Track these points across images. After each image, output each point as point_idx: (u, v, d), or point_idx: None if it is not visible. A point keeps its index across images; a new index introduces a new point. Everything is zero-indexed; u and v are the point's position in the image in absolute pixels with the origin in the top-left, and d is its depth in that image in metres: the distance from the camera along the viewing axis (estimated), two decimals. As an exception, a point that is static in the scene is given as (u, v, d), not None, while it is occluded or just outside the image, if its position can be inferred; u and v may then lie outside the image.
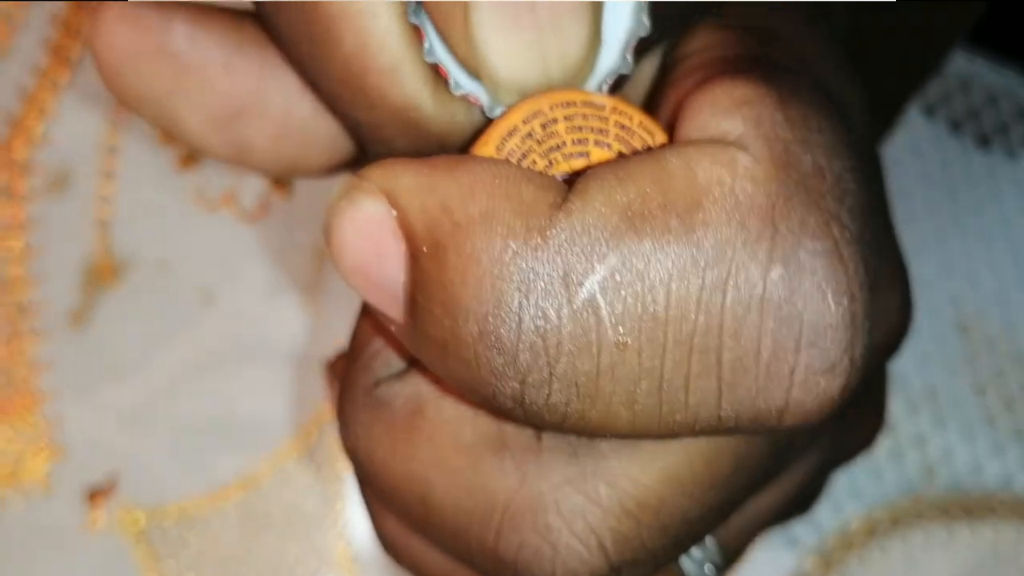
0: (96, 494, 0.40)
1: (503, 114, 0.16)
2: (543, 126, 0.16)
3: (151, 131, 0.42)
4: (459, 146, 0.17)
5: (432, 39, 0.16)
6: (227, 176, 0.42)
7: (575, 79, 0.16)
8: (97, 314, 0.41)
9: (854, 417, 0.20)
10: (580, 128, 0.16)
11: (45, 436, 0.40)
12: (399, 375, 0.18)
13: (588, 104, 0.16)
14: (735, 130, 0.15)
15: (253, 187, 0.42)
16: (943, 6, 0.31)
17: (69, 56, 0.43)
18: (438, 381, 0.18)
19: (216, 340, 0.41)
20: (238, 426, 0.40)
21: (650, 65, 0.18)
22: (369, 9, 0.15)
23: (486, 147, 0.16)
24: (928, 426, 0.41)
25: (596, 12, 0.16)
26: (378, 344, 0.19)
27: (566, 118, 0.16)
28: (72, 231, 0.42)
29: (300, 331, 0.41)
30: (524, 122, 0.16)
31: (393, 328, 0.16)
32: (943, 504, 0.41)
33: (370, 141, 0.17)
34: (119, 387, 0.41)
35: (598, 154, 0.16)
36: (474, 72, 0.16)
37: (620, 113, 0.16)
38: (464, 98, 0.17)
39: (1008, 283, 0.41)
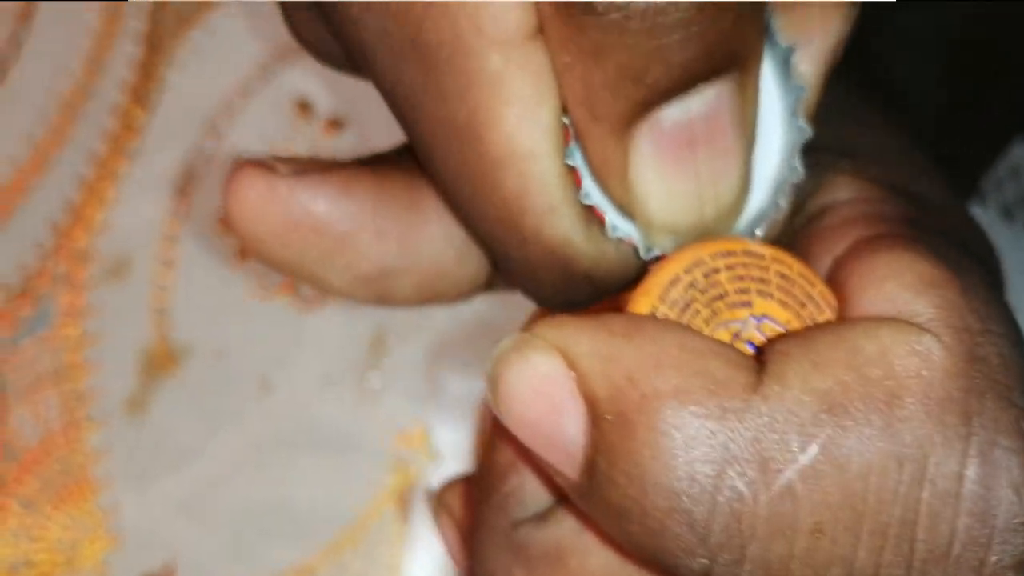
0: (151, 583, 0.40)
1: (662, 262, 0.17)
2: (705, 275, 0.17)
3: (210, 221, 0.43)
4: (608, 280, 0.18)
5: (588, 181, 0.17)
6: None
7: (727, 221, 0.17)
8: (154, 402, 0.41)
9: None
10: (742, 277, 0.17)
11: (101, 524, 0.40)
12: (539, 518, 0.19)
13: (748, 253, 0.17)
14: (924, 313, 0.16)
15: (309, 275, 0.43)
16: None
17: (127, 146, 0.44)
18: (586, 521, 0.18)
19: (272, 429, 0.41)
20: (294, 515, 0.40)
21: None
22: (531, 152, 0.16)
23: (648, 296, 0.17)
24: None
25: (751, 156, 0.16)
26: (513, 483, 0.19)
27: (728, 267, 0.17)
28: (130, 318, 0.42)
29: (356, 421, 0.41)
30: (686, 271, 0.17)
31: (560, 481, 0.16)
32: None
33: (517, 274, 0.18)
34: (175, 475, 0.41)
35: (761, 304, 0.17)
36: (629, 213, 0.17)
37: (780, 262, 0.17)
38: (618, 240, 0.17)
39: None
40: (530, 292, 0.18)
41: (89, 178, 0.44)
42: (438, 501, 0.23)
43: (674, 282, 0.17)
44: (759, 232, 0.17)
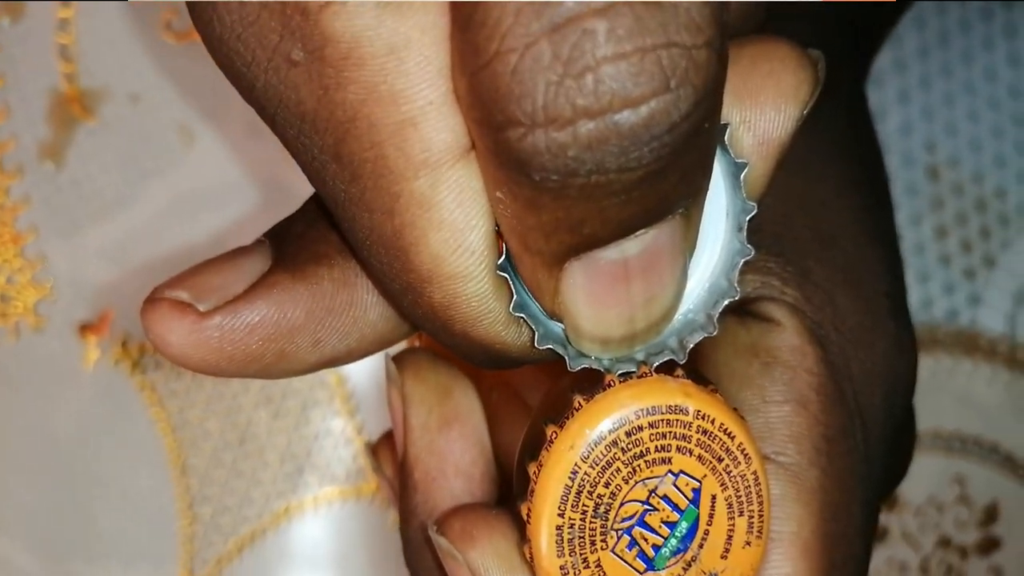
0: (87, 329, 0.41)
1: (588, 410, 0.17)
2: (628, 434, 0.17)
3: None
4: (539, 360, 0.18)
5: (520, 294, 0.16)
6: (197, 3, 0.40)
7: (658, 330, 0.16)
8: (71, 150, 0.40)
9: (895, 455, 0.22)
10: (664, 435, 0.17)
11: (29, 274, 0.40)
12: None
13: (673, 409, 0.17)
14: None
15: (226, 17, 0.40)
16: None
17: None
18: None
19: (198, 178, 0.41)
20: (225, 264, 0.41)
21: None
22: (458, 275, 0.15)
23: (573, 451, 0.17)
24: (889, 266, 0.43)
25: (686, 273, 0.16)
26: (418, 498, 0.22)
27: (650, 425, 0.17)
28: (32, 60, 0.39)
29: (281, 168, 0.41)
30: (611, 431, 0.17)
31: None
32: (893, 335, 0.44)
33: (451, 350, 0.18)
34: (102, 225, 0.40)
35: (680, 461, 0.17)
36: (559, 322, 0.16)
37: (703, 418, 0.17)
38: (548, 349, 0.17)
39: (983, 132, 0.42)
40: (462, 358, 0.18)
41: None
42: (374, 456, 0.24)
43: (598, 441, 0.17)
44: (690, 344, 0.17)
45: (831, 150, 0.22)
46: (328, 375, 0.41)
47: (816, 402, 0.19)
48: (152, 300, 0.17)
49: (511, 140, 0.13)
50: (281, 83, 0.14)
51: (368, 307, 0.18)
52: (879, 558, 0.44)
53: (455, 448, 0.21)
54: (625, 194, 0.13)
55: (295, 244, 0.18)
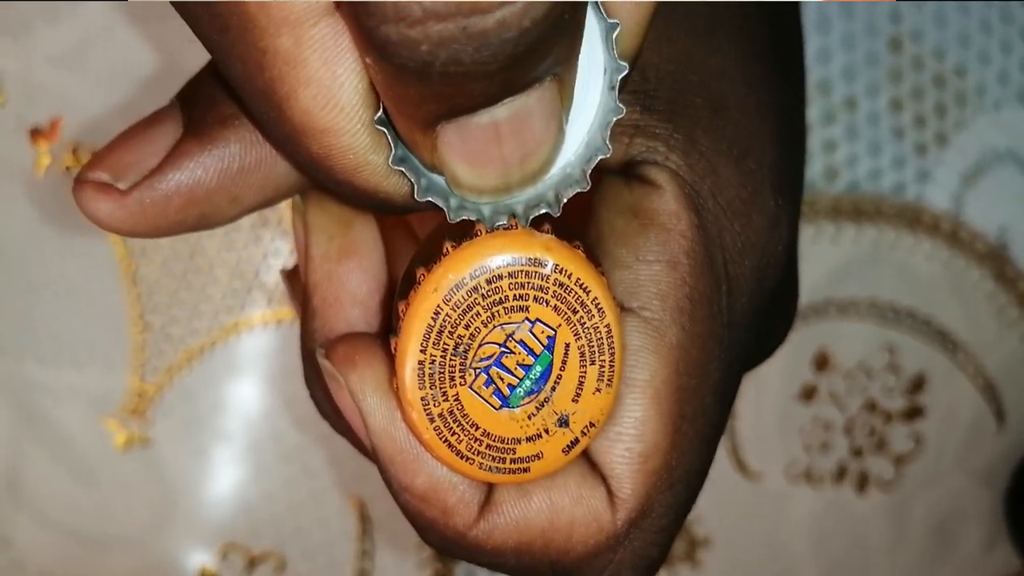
0: (38, 134, 0.41)
1: (452, 256, 0.18)
2: (488, 281, 0.18)
3: None
4: (424, 208, 0.18)
5: (400, 148, 0.17)
6: None
7: (534, 182, 0.17)
8: (22, -51, 0.39)
9: (768, 326, 0.23)
10: (522, 285, 0.18)
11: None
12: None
13: (532, 261, 0.18)
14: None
15: None
16: None
17: None
18: None
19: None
20: (175, 76, 0.41)
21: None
22: (331, 129, 0.16)
23: (437, 293, 0.18)
24: (841, 135, 0.43)
25: (561, 132, 0.16)
26: (315, 324, 0.23)
27: (510, 274, 0.18)
28: None
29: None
30: (471, 276, 0.18)
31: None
32: (837, 204, 0.44)
33: (338, 195, 0.18)
34: (51, 29, 0.40)
35: (537, 310, 0.18)
36: (438, 173, 0.17)
37: (561, 272, 0.18)
38: (429, 201, 0.17)
39: (950, 8, 0.41)
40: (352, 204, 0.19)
41: None
42: (287, 281, 0.25)
43: (459, 286, 0.18)
44: (564, 198, 0.17)
45: (736, 22, 0.22)
46: (285, 211, 0.42)
47: (685, 265, 0.20)
48: (79, 183, 0.19)
49: (369, 27, 0.13)
50: None
51: (277, 160, 0.19)
52: (805, 416, 0.46)
53: (352, 278, 0.22)
54: (486, 78, 0.13)
55: (202, 106, 0.19)
